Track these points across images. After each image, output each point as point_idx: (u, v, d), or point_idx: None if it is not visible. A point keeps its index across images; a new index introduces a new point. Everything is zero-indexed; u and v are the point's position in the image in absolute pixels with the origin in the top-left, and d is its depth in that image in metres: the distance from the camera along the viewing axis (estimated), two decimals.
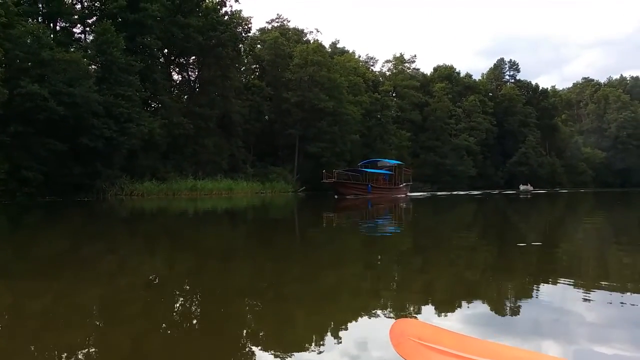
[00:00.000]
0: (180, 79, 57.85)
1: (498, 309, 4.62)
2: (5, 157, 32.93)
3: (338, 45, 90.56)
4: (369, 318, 4.34)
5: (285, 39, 68.54)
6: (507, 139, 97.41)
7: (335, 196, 39.96)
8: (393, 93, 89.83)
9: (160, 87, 47.07)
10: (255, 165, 57.05)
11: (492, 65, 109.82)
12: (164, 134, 43.81)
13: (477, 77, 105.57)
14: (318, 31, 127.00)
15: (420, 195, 45.67)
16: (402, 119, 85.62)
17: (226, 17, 52.62)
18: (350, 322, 4.24)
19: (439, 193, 55.06)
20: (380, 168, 50.08)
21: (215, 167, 48.85)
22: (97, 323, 4.21)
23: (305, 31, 77.89)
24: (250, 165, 55.95)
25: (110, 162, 37.91)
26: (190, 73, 57.30)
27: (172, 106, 47.81)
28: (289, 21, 78.72)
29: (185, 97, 55.83)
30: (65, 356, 3.32)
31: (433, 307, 4.70)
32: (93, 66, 40.30)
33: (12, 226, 15.64)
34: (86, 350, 3.44)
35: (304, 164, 58.96)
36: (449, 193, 55.87)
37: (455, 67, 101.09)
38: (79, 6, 46.93)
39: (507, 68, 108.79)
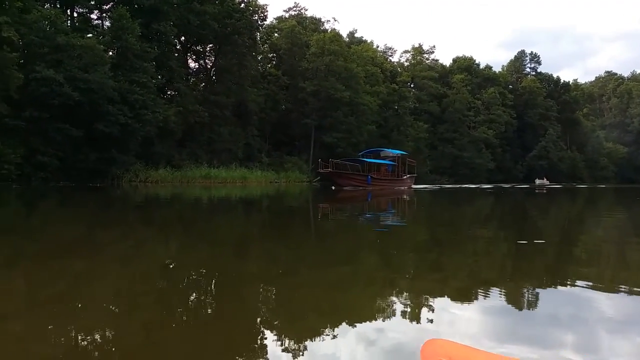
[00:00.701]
0: (197, 66, 57.77)
1: (516, 307, 4.33)
2: (20, 141, 33.01)
3: (356, 35, 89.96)
4: (384, 307, 4.22)
5: (302, 28, 68.05)
6: (527, 132, 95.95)
7: (332, 187, 38.05)
8: (411, 84, 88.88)
9: (176, 74, 46.92)
10: (270, 155, 56.83)
11: (512, 57, 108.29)
12: (179, 121, 43.71)
13: (497, 69, 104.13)
14: (335, 20, 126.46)
15: (425, 188, 42.95)
16: (419, 110, 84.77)
17: (242, 5, 52.23)
18: (365, 311, 4.14)
19: (446, 186, 52.62)
20: (384, 158, 47.59)
21: (231, 156, 48.68)
22: (112, 308, 4.20)
23: (322, 20, 77.42)
24: (265, 154, 55.73)
25: (125, 149, 37.87)
26: (206, 61, 57.13)
27: (188, 94, 47.68)
28: (306, 10, 78.47)
29: (202, 85, 55.67)
30: (80, 341, 3.31)
31: (448, 298, 4.53)
32: (110, 52, 40.19)
33: (28, 210, 15.53)
34: (101, 335, 3.44)
35: (319, 154, 58.51)
36: (458, 186, 53.24)
37: (474, 58, 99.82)
38: None
39: (528, 60, 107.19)
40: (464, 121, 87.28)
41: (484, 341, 3.43)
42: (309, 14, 77.14)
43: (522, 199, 27.51)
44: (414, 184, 48.25)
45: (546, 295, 4.68)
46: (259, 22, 55.29)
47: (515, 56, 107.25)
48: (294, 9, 75.38)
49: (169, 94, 48.76)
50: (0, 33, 30.70)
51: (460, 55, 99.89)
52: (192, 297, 4.57)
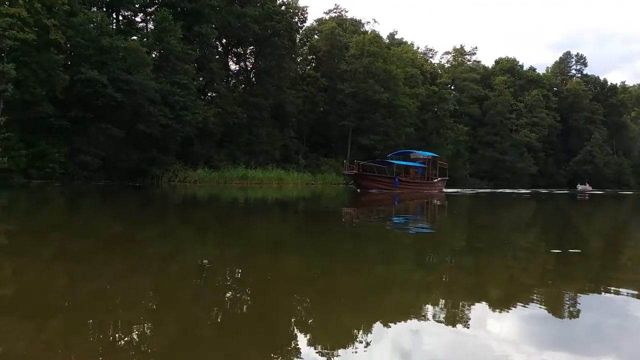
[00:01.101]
0: (237, 68, 58.43)
1: (555, 315, 4.29)
2: (65, 140, 34.09)
3: (396, 37, 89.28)
4: (417, 317, 4.18)
5: (342, 30, 68.00)
6: (571, 136, 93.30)
7: (358, 190, 36.92)
8: (451, 86, 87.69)
9: (216, 76, 47.53)
10: (307, 156, 57.02)
11: (557, 59, 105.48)
12: (218, 122, 44.31)
13: (541, 71, 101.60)
14: (375, 21, 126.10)
15: (458, 192, 41.19)
16: (459, 113, 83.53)
17: (282, 7, 52.56)
18: (399, 319, 4.08)
19: (480, 190, 50.61)
20: (414, 160, 45.07)
21: (268, 157, 49.07)
22: (150, 305, 4.30)
23: (362, 21, 77.11)
24: (302, 156, 55.94)
25: (165, 149, 38.64)
26: (247, 63, 57.73)
27: (227, 95, 48.30)
28: (347, 12, 78.44)
29: (242, 86, 56.25)
30: (118, 337, 3.41)
31: (486, 306, 4.50)
32: (154, 53, 41.01)
33: (71, 208, 15.96)
34: (138, 332, 3.51)
35: (356, 156, 58.33)
36: (493, 191, 51.49)
37: (518, 60, 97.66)
38: None
39: (574, 62, 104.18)
40: (505, 124, 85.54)
41: (523, 347, 3.43)
42: (349, 15, 77.07)
43: (560, 205, 26.69)
44: (446, 188, 46.57)
45: (584, 303, 4.59)
46: (299, 24, 55.52)
47: (561, 58, 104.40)
48: (334, 10, 75.42)
49: (209, 96, 49.46)
50: (48, 35, 31.81)
51: (503, 56, 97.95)
52: (228, 296, 4.69)
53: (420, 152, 48.09)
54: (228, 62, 56.32)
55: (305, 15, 56.07)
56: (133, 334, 3.47)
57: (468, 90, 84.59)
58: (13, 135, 30.99)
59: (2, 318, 3.80)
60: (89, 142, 34.77)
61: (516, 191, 49.80)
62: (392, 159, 43.49)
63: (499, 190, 52.23)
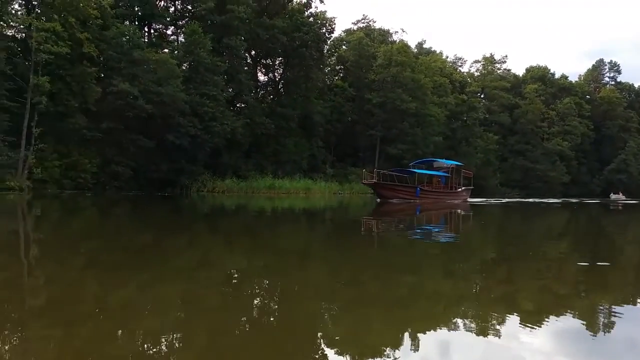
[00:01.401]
0: (266, 79, 59.00)
1: (589, 328, 4.22)
2: (97, 151, 34.87)
3: (424, 46, 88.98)
4: (446, 327, 4.18)
5: (369, 40, 68.11)
6: (604, 144, 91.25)
7: (377, 200, 35.40)
8: (481, 94, 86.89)
9: (245, 87, 48.05)
10: (334, 166, 57.06)
11: (590, 67, 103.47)
12: (247, 133, 44.73)
13: (573, 79, 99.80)
14: (403, 31, 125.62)
15: (483, 202, 38.94)
16: (489, 122, 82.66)
17: (310, 18, 52.93)
18: (428, 329, 4.07)
19: (508, 200, 48.25)
20: (437, 169, 43.28)
21: (295, 167, 49.29)
22: (177, 315, 4.35)
23: (390, 31, 77.10)
24: (329, 165, 56.01)
25: (194, 159, 39.20)
26: (275, 74, 58.23)
27: (256, 106, 48.73)
28: (375, 22, 78.46)
29: (270, 97, 56.71)
30: (146, 346, 3.45)
31: (517, 319, 4.41)
32: (185, 65, 41.71)
33: (102, 218, 16.27)
34: (165, 341, 3.57)
35: (384, 166, 58.15)
36: (521, 200, 49.06)
37: (549, 68, 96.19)
38: (172, 9, 48.95)
39: (607, 69, 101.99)
40: (536, 132, 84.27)
41: (556, 358, 3.39)
42: (377, 25, 77.17)
43: (590, 215, 25.83)
44: (472, 197, 44.58)
45: (618, 316, 4.45)
46: (327, 34, 55.76)
47: (594, 65, 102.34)
48: (362, 21, 75.62)
49: (237, 107, 50.03)
50: (81, 49, 32.69)
51: (534, 64, 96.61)
52: (256, 304, 4.73)
53: (444, 160, 46.21)
54: (257, 73, 56.98)
55: (333, 26, 56.29)
56: (162, 342, 3.53)
57: (498, 98, 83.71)
58: (47, 147, 31.91)
59: (34, 325, 3.88)
60: (120, 152, 35.53)
61: (545, 200, 48.18)
62: (415, 168, 42.11)
63: (528, 200, 50.24)
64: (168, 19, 47.59)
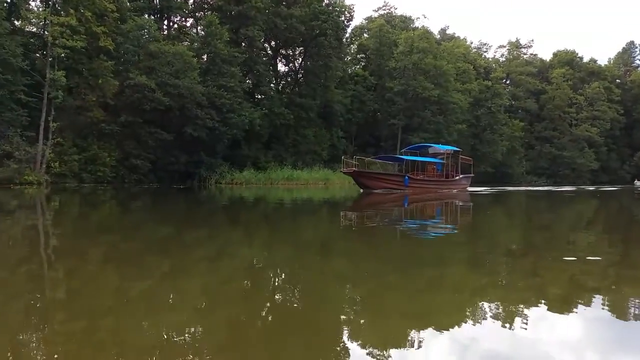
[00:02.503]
0: (286, 70, 58.61)
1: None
2: (116, 145, 35.03)
3: (447, 32, 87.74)
4: (473, 313, 4.14)
5: (390, 27, 67.17)
6: (635, 129, 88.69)
7: (361, 190, 31.79)
8: (506, 80, 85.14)
9: (263, 77, 47.77)
10: (355, 156, 56.42)
11: (620, 50, 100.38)
12: (265, 124, 44.47)
13: (602, 62, 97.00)
14: (425, 17, 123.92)
15: (486, 191, 35.38)
16: (515, 108, 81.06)
17: (329, 7, 52.20)
18: (453, 320, 3.97)
19: (516, 188, 44.40)
20: (433, 156, 39.48)
21: (315, 157, 48.93)
22: (198, 306, 4.36)
23: (412, 18, 76.01)
24: (350, 155, 55.43)
25: (212, 151, 39.14)
26: (295, 64, 57.81)
27: (274, 97, 48.43)
28: (396, 8, 77.35)
29: (290, 87, 56.35)
30: (167, 337, 3.47)
31: (545, 309, 4.27)
32: (204, 57, 41.58)
33: (121, 211, 16.24)
34: (186, 332, 3.57)
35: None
36: (533, 189, 44.43)
37: (577, 52, 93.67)
38: (191, 0, 48.89)
39: (638, 52, 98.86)
40: (564, 118, 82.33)
41: (587, 353, 3.30)
42: (398, 12, 76.14)
43: (602, 205, 23.94)
44: (483, 186, 41.97)
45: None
46: (346, 22, 55.00)
47: (624, 48, 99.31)
48: (383, 8, 74.79)
49: (257, 98, 49.79)
50: (98, 42, 32.76)
51: (562, 49, 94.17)
52: (276, 296, 4.67)
53: (439, 145, 42.20)
54: (277, 63, 56.63)
55: (352, 14, 55.51)
56: (183, 334, 3.53)
57: (524, 84, 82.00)
58: (66, 141, 32.16)
59: (56, 317, 3.90)
60: (138, 146, 35.63)
61: (558, 189, 45.69)
62: (408, 155, 38.45)
63: (542, 189, 46.41)
64: (185, 11, 47.56)
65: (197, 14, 49.33)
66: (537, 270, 6.25)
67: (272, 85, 53.28)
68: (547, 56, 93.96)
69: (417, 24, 74.28)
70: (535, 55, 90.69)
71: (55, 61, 30.17)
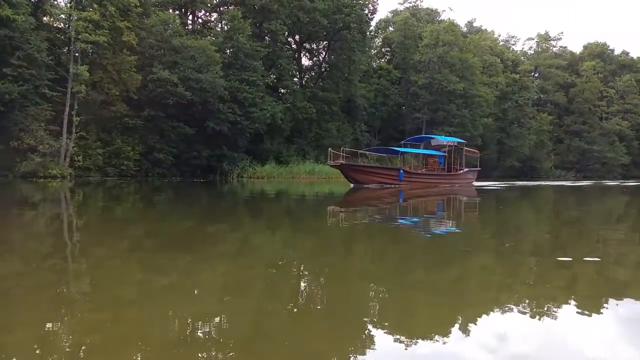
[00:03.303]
0: (310, 64, 58.31)
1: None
2: (140, 139, 35.31)
3: (474, 24, 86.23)
4: (500, 312, 3.97)
5: (416, 20, 66.40)
6: None
7: (351, 185, 29.08)
8: (535, 73, 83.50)
9: (286, 72, 47.62)
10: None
11: None
12: (288, 118, 44.34)
13: (635, 54, 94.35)
14: (451, 9, 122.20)
15: (496, 186, 32.54)
16: (543, 101, 79.44)
17: (353, 0, 51.66)
18: (481, 315, 3.89)
19: (525, 183, 41.39)
20: (436, 148, 36.67)
21: (338, 151, 48.52)
22: (221, 299, 4.34)
23: (438, 10, 75.07)
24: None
25: (234, 145, 39.19)
26: (320, 58, 57.48)
27: (297, 91, 48.27)
28: (422, 1, 76.40)
29: (313, 81, 56.11)
30: (190, 329, 3.48)
31: (575, 305, 4.16)
32: (228, 51, 41.57)
33: (145, 205, 16.29)
34: (209, 324, 3.58)
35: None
36: (542, 184, 41.94)
37: (608, 44, 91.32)
38: None
39: None
40: (594, 112, 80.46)
41: (625, 354, 3.15)
42: (424, 5, 75.21)
43: (614, 200, 22.63)
44: (495, 180, 39.88)
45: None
46: (369, 15, 54.42)
47: None
48: (409, 0, 73.84)
49: (281, 92, 49.66)
50: (121, 37, 33.00)
51: (592, 41, 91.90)
52: (298, 292, 4.61)
53: (442, 137, 39.16)
54: (301, 57, 56.38)
55: (376, 7, 54.97)
56: (206, 326, 3.54)
57: (553, 77, 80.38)
58: (90, 135, 32.55)
59: (81, 308, 3.91)
60: (161, 140, 35.86)
61: (574, 184, 43.38)
62: (408, 147, 36.06)
63: (555, 183, 43.59)
64: (210, 6, 47.67)
65: (220, 8, 49.41)
66: (528, 270, 5.96)
67: (295, 79, 53.13)
68: (577, 49, 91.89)
69: (443, 16, 73.35)
70: (564, 47, 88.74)
71: (79, 56, 30.50)
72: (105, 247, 7.00)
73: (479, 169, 39.02)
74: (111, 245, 7.13)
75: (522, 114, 70.20)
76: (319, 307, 4.12)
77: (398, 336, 3.38)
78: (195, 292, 4.53)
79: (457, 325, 3.62)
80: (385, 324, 3.63)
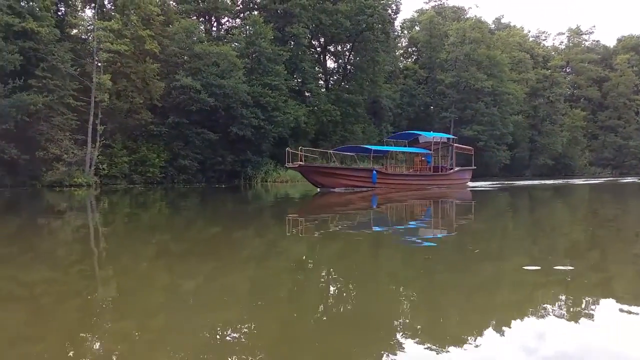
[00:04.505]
0: (335, 66, 58.08)
1: None
2: (165, 146, 35.57)
3: (502, 21, 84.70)
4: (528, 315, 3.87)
5: (441, 18, 65.59)
6: None
7: (318, 189, 26.33)
8: (567, 68, 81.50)
9: (309, 75, 47.44)
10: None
11: None
12: (312, 121, 44.13)
13: None
14: (477, 6, 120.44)
15: (492, 187, 29.82)
16: (576, 97, 77.47)
17: (375, 1, 51.19)
18: (508, 318, 3.81)
19: (526, 182, 38.36)
20: (424, 146, 32.92)
21: (364, 154, 48.15)
22: (247, 304, 4.34)
23: (464, 8, 74.02)
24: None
25: (258, 150, 39.16)
26: (345, 60, 57.20)
27: (320, 94, 48.05)
28: None
29: (340, 84, 55.83)
30: (217, 335, 3.49)
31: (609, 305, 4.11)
32: (248, 58, 41.57)
33: (172, 211, 16.33)
34: (235, 330, 3.60)
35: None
36: (549, 182, 39.13)
37: None
38: (239, 1, 49.17)
39: None
40: (629, 106, 78.12)
41: None
42: (450, 3, 74.21)
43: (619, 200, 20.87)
44: (511, 181, 36.27)
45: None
46: (392, 15, 53.90)
47: None
48: None
49: (306, 95, 49.51)
50: (144, 46, 33.35)
51: (627, 34, 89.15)
52: (326, 294, 4.60)
53: (428, 133, 34.65)
54: (326, 60, 56.19)
55: (399, 6, 54.38)
56: (233, 332, 3.55)
57: (585, 72, 78.35)
58: (115, 144, 32.94)
59: (109, 316, 3.99)
60: (186, 146, 36.04)
61: (587, 181, 40.84)
62: (390, 144, 33.31)
63: (557, 181, 40.71)
64: (232, 12, 47.89)
65: (244, 14, 49.59)
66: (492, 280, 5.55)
67: (321, 82, 52.93)
68: (610, 42, 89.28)
69: (470, 14, 72.24)
70: (597, 41, 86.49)
71: (102, 65, 30.89)
72: (132, 253, 7.07)
73: (473, 167, 35.56)
74: (138, 252, 7.20)
75: (554, 110, 68.57)
76: (349, 311, 4.04)
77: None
78: (223, 298, 4.53)
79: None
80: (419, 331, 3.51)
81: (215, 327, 3.65)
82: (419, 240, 7.71)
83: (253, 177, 38.76)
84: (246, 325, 3.69)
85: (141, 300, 4.42)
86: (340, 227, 10.15)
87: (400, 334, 3.46)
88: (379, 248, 7.36)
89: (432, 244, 7.44)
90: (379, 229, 9.76)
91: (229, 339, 3.40)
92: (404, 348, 3.18)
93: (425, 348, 3.17)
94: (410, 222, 11.22)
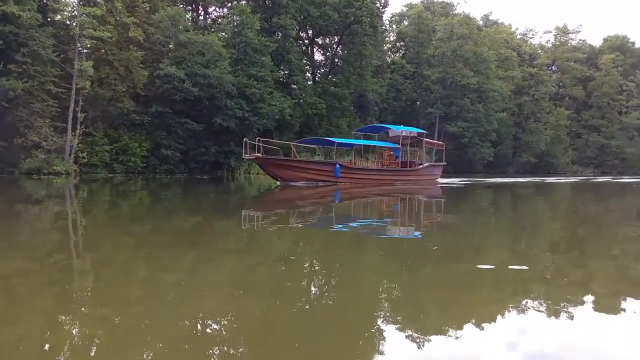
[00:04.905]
0: (323, 59, 57.85)
1: None
2: (147, 135, 35.19)
3: (491, 18, 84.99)
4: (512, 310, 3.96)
5: (430, 13, 65.54)
6: None
7: (278, 182, 25.72)
8: (553, 67, 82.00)
9: (296, 67, 47.16)
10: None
11: None
12: (297, 114, 43.93)
13: None
14: (465, 2, 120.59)
15: (464, 183, 29.69)
16: (560, 96, 78.00)
17: None
18: (492, 314, 3.87)
19: (491, 180, 36.77)
20: (393, 140, 31.82)
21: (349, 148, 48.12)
22: (228, 296, 4.31)
23: (453, 3, 73.96)
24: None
25: (242, 142, 38.84)
26: (333, 53, 56.98)
27: (306, 86, 47.82)
28: None
29: (327, 77, 55.63)
30: (199, 326, 3.47)
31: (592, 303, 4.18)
32: (234, 49, 41.18)
33: (151, 201, 16.16)
34: (217, 321, 3.59)
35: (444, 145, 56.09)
36: (517, 180, 38.04)
37: (629, 37, 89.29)
38: None
39: None
40: (613, 106, 78.89)
41: None
42: None
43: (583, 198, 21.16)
44: (499, 177, 35.77)
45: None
46: (380, 8, 53.75)
47: None
48: None
49: (292, 87, 49.25)
50: (128, 33, 32.85)
51: (612, 34, 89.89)
52: (308, 288, 4.55)
53: (397, 127, 33.06)
54: (313, 53, 55.90)
55: (387, 0, 54.18)
56: (213, 323, 3.54)
57: (571, 71, 78.87)
58: (97, 132, 32.49)
59: (88, 305, 3.91)
60: (169, 136, 35.69)
61: (558, 179, 40.08)
62: (358, 138, 32.66)
63: (534, 179, 39.98)
64: (218, 1, 47.33)
65: (231, 3, 49.08)
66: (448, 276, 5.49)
67: (308, 74, 52.69)
68: (596, 42, 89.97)
69: (458, 10, 72.29)
70: (583, 41, 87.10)
71: (84, 52, 30.42)
72: (110, 243, 7.00)
73: (444, 163, 34.69)
74: (116, 242, 7.13)
75: (539, 108, 69.07)
76: (330, 305, 4.04)
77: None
78: (202, 289, 4.46)
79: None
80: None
81: (195, 317, 3.62)
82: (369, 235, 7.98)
83: (236, 169, 38.52)
84: (226, 316, 3.68)
85: (120, 290, 4.36)
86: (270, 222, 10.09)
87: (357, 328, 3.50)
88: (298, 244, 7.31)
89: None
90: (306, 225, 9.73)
91: (209, 330, 3.38)
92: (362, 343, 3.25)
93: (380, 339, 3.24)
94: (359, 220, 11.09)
